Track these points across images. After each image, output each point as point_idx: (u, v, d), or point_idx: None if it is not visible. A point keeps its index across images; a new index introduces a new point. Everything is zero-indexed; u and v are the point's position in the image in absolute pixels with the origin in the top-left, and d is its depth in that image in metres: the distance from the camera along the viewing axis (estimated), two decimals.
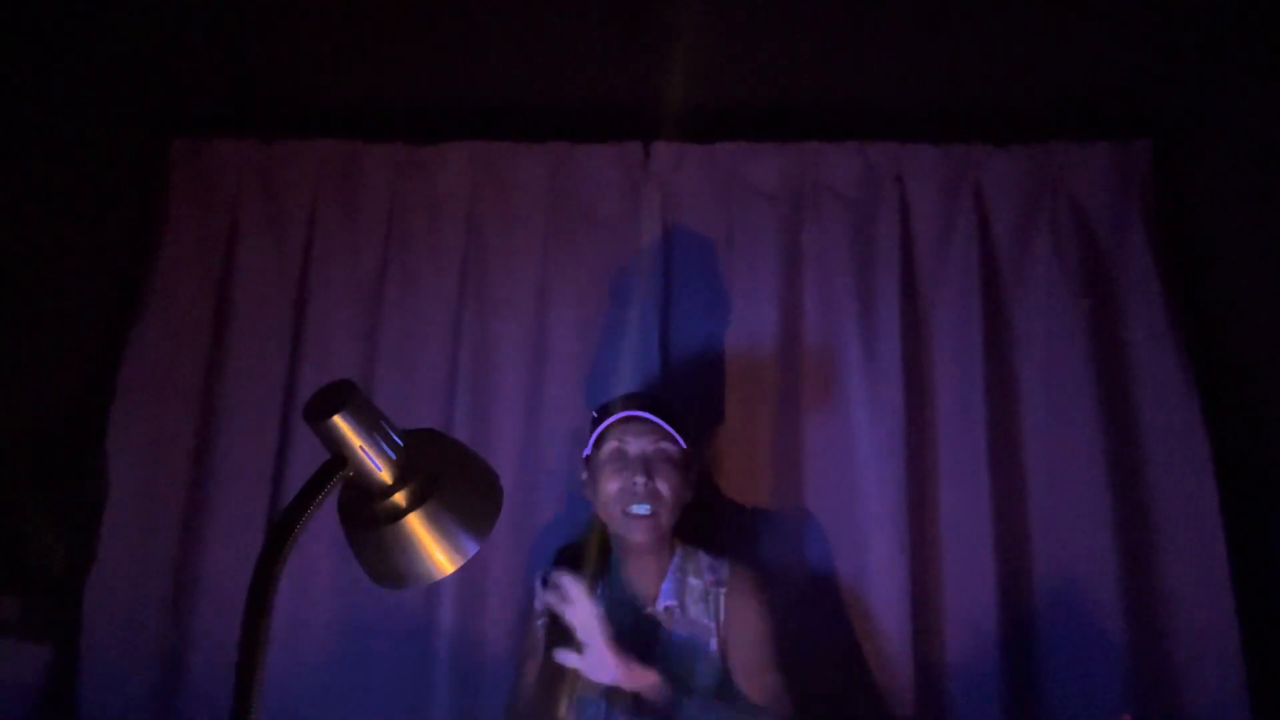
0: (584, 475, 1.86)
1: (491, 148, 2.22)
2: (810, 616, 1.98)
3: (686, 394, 2.08)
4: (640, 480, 1.73)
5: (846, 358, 2.10)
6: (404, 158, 2.22)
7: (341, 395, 0.75)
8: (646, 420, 1.78)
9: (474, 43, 2.09)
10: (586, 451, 1.85)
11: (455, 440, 0.88)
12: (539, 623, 1.78)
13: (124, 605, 1.99)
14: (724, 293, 2.16)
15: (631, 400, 1.84)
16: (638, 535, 1.75)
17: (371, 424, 0.76)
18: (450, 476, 0.81)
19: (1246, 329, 2.10)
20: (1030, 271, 2.13)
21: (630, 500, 1.74)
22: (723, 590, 1.76)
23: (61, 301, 2.17)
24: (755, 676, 1.71)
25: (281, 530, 0.73)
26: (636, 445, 1.77)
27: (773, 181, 2.19)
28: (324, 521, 0.78)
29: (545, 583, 1.79)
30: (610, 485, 1.76)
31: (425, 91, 2.24)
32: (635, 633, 1.72)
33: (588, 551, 1.84)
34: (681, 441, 1.79)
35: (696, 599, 1.76)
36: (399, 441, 0.78)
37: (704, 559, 1.81)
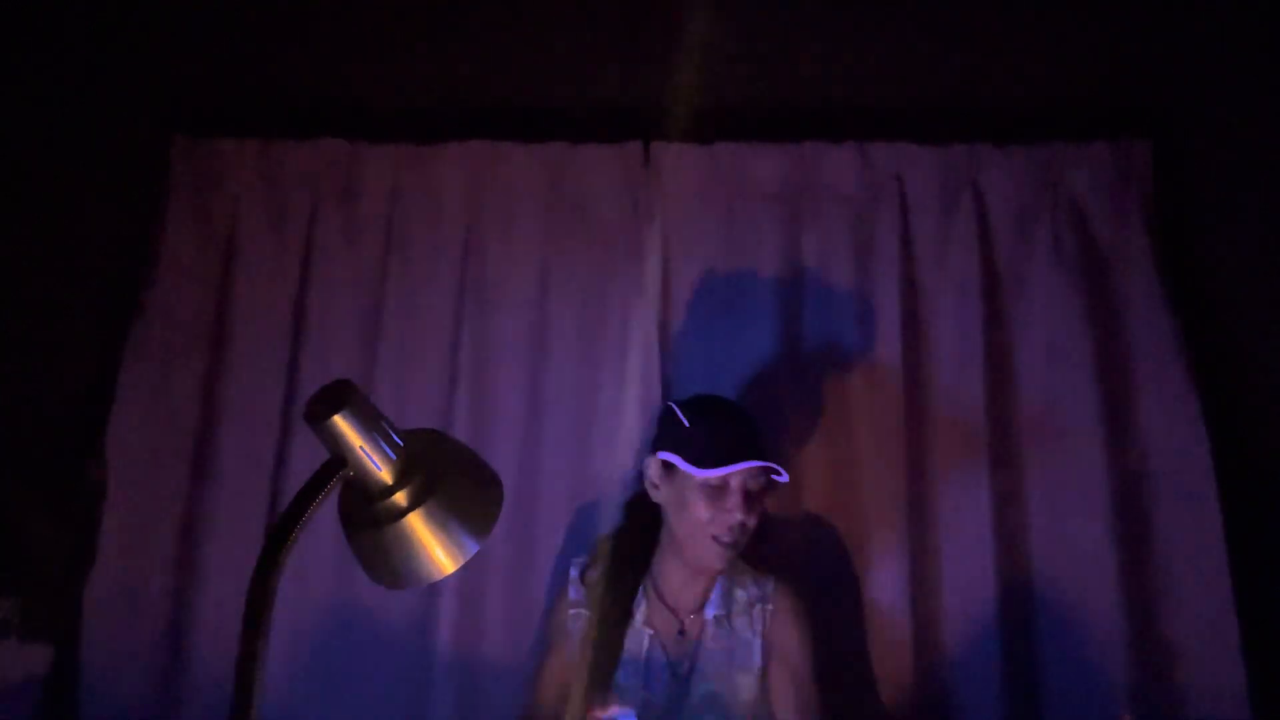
0: (652, 471, 1.75)
1: (491, 148, 2.21)
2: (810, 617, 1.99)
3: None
4: (739, 517, 1.67)
5: (846, 358, 2.10)
6: (404, 158, 2.21)
7: (341, 395, 0.75)
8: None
9: (474, 43, 2.09)
10: (666, 456, 1.72)
11: (455, 440, 0.88)
12: (571, 612, 1.77)
13: (124, 605, 1.99)
14: (723, 293, 2.16)
15: (742, 446, 1.68)
16: (718, 564, 1.72)
17: (371, 424, 0.76)
18: (450, 476, 0.81)
19: (1246, 329, 2.10)
20: (1030, 271, 2.13)
21: (722, 531, 1.68)
22: (769, 607, 1.76)
23: (61, 301, 2.17)
24: (792, 700, 1.70)
25: (281, 530, 0.73)
26: (738, 477, 1.69)
27: (773, 181, 2.19)
28: (324, 521, 0.78)
29: (583, 574, 1.79)
30: (701, 511, 1.68)
31: (425, 91, 2.24)
32: (677, 639, 1.73)
33: (628, 546, 1.81)
34: (784, 475, 1.69)
35: (741, 611, 1.75)
36: (399, 441, 0.79)
37: (750, 572, 1.80)
